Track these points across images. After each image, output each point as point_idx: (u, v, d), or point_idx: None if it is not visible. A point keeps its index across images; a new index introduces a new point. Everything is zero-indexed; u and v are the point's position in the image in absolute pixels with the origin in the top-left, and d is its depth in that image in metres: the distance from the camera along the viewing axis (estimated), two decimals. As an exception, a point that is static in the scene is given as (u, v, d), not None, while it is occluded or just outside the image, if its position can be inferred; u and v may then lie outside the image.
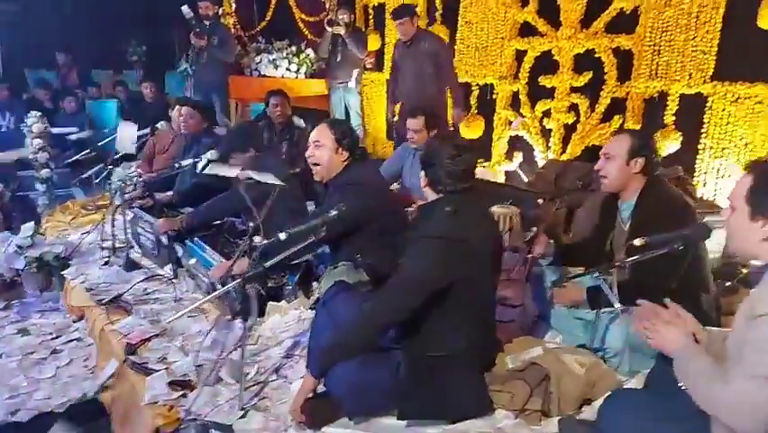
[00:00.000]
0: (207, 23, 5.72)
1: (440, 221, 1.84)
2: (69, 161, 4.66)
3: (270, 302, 2.54)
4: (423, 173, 1.97)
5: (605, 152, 2.29)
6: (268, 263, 1.85)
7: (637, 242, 1.90)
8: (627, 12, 4.40)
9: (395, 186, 4.01)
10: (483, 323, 1.95)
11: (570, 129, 4.91)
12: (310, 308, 2.50)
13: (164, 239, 3.04)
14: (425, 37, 4.79)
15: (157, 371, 2.10)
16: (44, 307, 3.29)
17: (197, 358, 2.12)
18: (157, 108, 5.72)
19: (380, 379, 1.76)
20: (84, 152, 4.49)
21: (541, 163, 5.01)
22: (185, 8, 5.46)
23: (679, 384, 1.42)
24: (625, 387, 1.92)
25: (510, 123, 5.41)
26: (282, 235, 1.83)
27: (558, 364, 1.90)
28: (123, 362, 2.23)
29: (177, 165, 3.26)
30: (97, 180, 3.92)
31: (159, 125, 4.13)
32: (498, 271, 2.04)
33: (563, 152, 4.96)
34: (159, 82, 7.25)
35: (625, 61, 4.47)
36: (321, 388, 1.83)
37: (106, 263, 3.23)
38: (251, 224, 2.15)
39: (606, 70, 4.55)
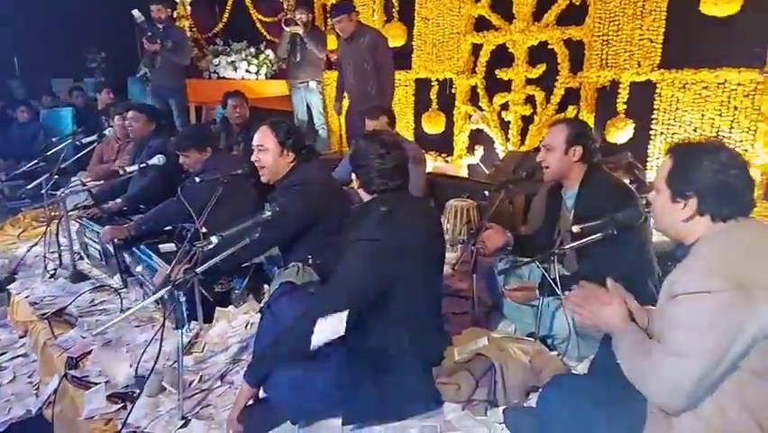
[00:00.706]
0: (160, 26, 5.59)
1: (373, 223, 1.80)
2: (18, 171, 4.49)
3: (218, 308, 2.49)
4: (354, 175, 1.94)
5: (544, 143, 2.31)
6: (200, 268, 1.79)
7: (575, 229, 1.91)
8: (577, 3, 4.45)
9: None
10: (427, 319, 1.93)
11: (527, 121, 4.96)
12: (259, 312, 2.46)
13: (110, 247, 2.96)
14: (364, 33, 4.70)
15: (97, 384, 2.04)
16: (-10, 324, 3.17)
17: (139, 369, 2.06)
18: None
19: (322, 383, 1.71)
20: (33, 163, 4.33)
21: (502, 156, 5.05)
22: (135, 12, 5.34)
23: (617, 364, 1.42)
24: (566, 373, 1.92)
25: (470, 117, 5.44)
26: (214, 239, 1.79)
27: (502, 354, 1.90)
28: (63, 376, 2.16)
29: (122, 171, 3.16)
30: (43, 191, 3.80)
31: (107, 131, 4.01)
32: (441, 266, 2.03)
33: (522, 143, 5.00)
34: (118, 88, 7.09)
35: (577, 52, 4.53)
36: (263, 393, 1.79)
37: (52, 276, 3.13)
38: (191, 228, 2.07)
39: (559, 62, 4.59)
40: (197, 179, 2.60)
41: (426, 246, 1.90)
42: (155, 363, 1.80)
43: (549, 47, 4.67)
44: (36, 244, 3.48)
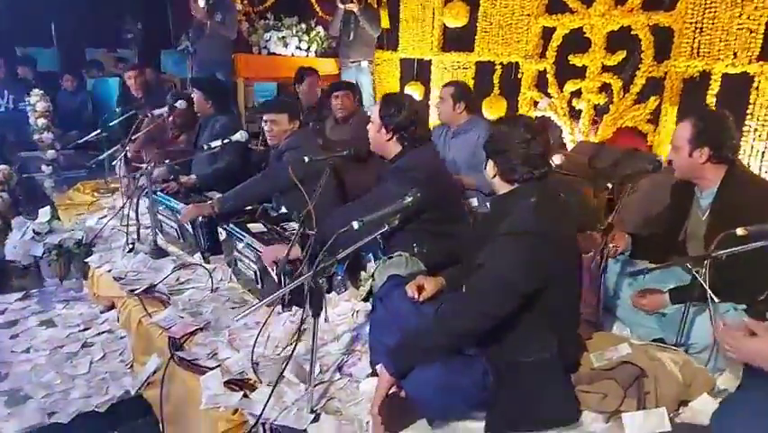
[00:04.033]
0: (210, -3, 5.41)
1: (524, 215, 1.66)
2: (80, 141, 4.40)
3: (322, 294, 2.38)
4: (491, 162, 1.79)
5: (671, 140, 2.18)
6: (341, 254, 1.67)
7: (740, 231, 1.75)
8: (667, -13, 4.22)
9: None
10: (570, 321, 1.80)
11: (601, 110, 4.75)
12: (363, 300, 2.35)
13: (188, 226, 2.86)
14: None
15: (210, 368, 1.94)
16: (66, 296, 3.11)
17: (252, 355, 1.96)
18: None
19: (465, 387, 1.60)
20: (94, 133, 4.23)
21: (570, 146, 4.86)
22: None
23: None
24: (739, 391, 1.75)
25: (536, 103, 5.24)
26: (356, 224, 1.66)
27: (653, 363, 1.76)
28: (169, 358, 2.06)
29: (206, 147, 3.05)
30: (114, 163, 3.71)
31: (177, 104, 3.87)
32: (581, 266, 1.89)
33: (594, 133, 4.80)
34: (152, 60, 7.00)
35: (662, 39, 4.30)
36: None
37: (131, 250, 3.04)
38: (284, 209, 1.95)
39: (643, 49, 4.37)
40: (306, 159, 2.47)
41: (573, 242, 1.77)
42: (292, 352, 1.69)
43: (631, 33, 4.44)
44: (112, 217, 3.39)
